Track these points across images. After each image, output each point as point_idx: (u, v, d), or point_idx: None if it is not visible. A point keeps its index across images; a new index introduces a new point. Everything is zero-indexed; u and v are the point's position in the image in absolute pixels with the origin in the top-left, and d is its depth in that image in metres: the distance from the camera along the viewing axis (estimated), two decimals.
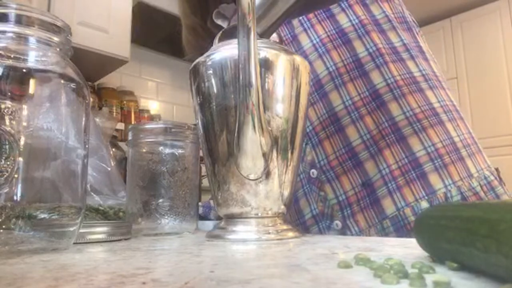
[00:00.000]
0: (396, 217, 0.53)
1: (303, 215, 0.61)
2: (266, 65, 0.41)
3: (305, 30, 0.62)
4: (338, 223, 0.57)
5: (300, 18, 0.63)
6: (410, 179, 0.54)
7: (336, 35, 0.60)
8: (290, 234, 0.42)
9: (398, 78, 0.57)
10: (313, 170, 0.60)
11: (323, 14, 0.62)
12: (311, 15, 0.62)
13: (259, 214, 0.42)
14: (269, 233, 0.41)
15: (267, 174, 0.41)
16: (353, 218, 0.56)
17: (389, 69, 0.58)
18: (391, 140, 0.55)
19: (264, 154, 0.40)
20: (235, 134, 0.39)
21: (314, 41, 0.61)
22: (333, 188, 0.58)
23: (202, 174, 0.86)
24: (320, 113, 0.60)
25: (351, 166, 0.57)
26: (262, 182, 0.41)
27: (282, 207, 0.43)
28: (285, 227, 0.43)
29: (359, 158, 0.57)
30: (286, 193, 0.43)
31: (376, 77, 0.58)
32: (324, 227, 0.58)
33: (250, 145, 0.39)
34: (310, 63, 0.60)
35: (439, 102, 0.58)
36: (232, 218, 0.44)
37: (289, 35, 0.64)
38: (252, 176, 0.41)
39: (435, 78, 0.60)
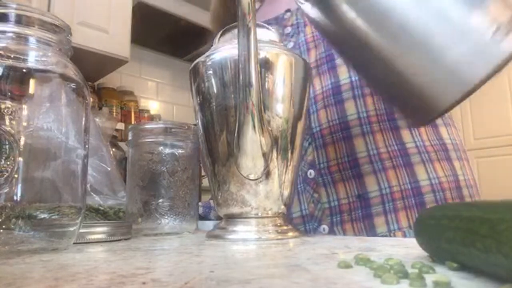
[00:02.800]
0: (385, 238, 0.52)
1: (291, 213, 0.61)
2: (266, 65, 0.41)
3: None
4: (325, 227, 0.57)
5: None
6: (408, 204, 0.54)
7: None
8: (290, 234, 0.42)
9: None
10: (311, 171, 0.60)
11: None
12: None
13: (259, 214, 0.42)
14: (269, 233, 0.41)
15: (267, 174, 0.41)
16: (341, 226, 0.56)
17: None
18: (398, 163, 0.56)
19: (264, 154, 0.40)
20: (235, 134, 0.39)
21: None
22: (328, 192, 0.58)
23: (202, 174, 0.86)
24: (331, 117, 0.60)
25: (351, 175, 0.57)
26: (262, 182, 0.41)
27: (282, 207, 0.43)
28: (285, 227, 0.43)
29: (360, 170, 0.57)
30: (286, 193, 0.43)
31: None
32: (310, 228, 0.58)
33: (250, 145, 0.39)
34: (335, 66, 0.60)
35: (450, 139, 0.60)
36: (232, 218, 0.44)
37: (320, 39, 0.63)
38: (252, 176, 0.41)
39: (449, 117, 0.63)
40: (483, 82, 0.32)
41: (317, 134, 0.61)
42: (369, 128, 0.58)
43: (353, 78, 0.59)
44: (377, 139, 0.57)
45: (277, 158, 0.42)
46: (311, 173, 0.60)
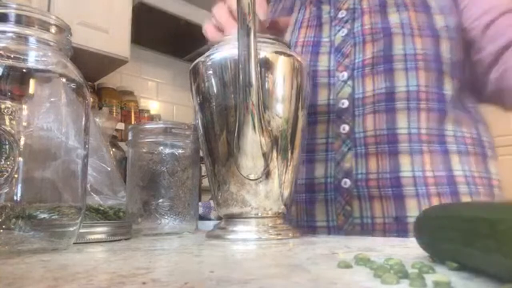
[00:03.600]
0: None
1: (315, 220, 0.56)
2: (266, 65, 0.41)
3: (397, 7, 0.58)
4: None
5: None
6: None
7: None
8: (290, 234, 0.42)
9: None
10: (346, 180, 0.54)
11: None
12: None
13: (259, 214, 0.42)
14: (269, 233, 0.41)
15: (267, 174, 0.41)
16: None
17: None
18: (444, 191, 0.52)
19: (264, 154, 0.40)
20: (235, 134, 0.39)
21: (404, 21, 0.56)
22: (362, 207, 0.53)
23: (202, 174, 0.86)
24: (379, 125, 0.54)
25: (391, 195, 0.52)
26: (262, 182, 0.41)
27: (282, 207, 0.43)
28: (285, 227, 0.43)
29: (402, 191, 0.52)
30: (286, 193, 0.43)
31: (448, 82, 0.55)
32: None
33: (250, 145, 0.39)
34: (393, 70, 0.55)
35: (487, 137, 0.59)
36: (232, 218, 0.44)
37: (378, 5, 0.59)
38: (252, 176, 0.41)
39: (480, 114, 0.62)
40: None
41: (359, 140, 0.55)
42: (417, 147, 0.53)
43: (411, 88, 0.54)
44: (425, 161, 0.53)
45: (277, 158, 0.42)
46: (346, 182, 0.54)
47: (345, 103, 0.56)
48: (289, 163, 0.43)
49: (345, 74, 0.58)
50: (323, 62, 0.60)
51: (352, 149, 0.55)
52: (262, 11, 0.48)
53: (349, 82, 0.57)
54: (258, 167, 0.40)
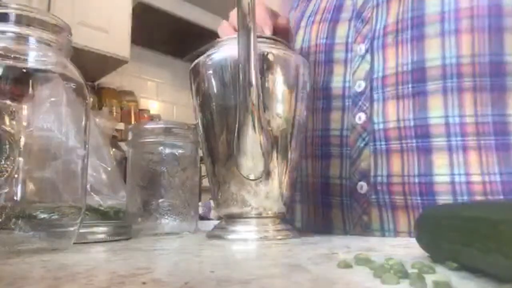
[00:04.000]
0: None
1: (331, 227, 0.48)
2: (266, 65, 0.41)
3: None
4: None
5: None
6: None
7: None
8: (290, 234, 0.42)
9: None
10: (362, 183, 0.45)
11: None
12: None
13: (260, 214, 0.42)
14: (269, 233, 0.41)
15: (267, 174, 0.41)
16: None
17: None
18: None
19: (264, 154, 0.40)
20: (235, 134, 0.39)
21: None
22: (383, 218, 0.43)
23: (202, 174, 0.86)
24: (403, 114, 0.42)
25: (419, 203, 0.41)
26: (262, 182, 0.41)
27: (282, 207, 0.43)
28: (285, 227, 0.43)
29: (436, 203, 0.40)
30: (286, 193, 0.43)
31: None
32: None
33: (250, 145, 0.39)
34: (424, 37, 0.42)
35: None
36: (232, 218, 0.44)
37: None
38: (252, 176, 0.41)
39: None
40: None
41: (379, 133, 0.44)
42: (459, 143, 0.40)
43: (447, 61, 0.40)
44: (470, 160, 0.39)
45: (277, 158, 0.42)
46: (363, 186, 0.45)
47: (362, 85, 0.45)
48: (289, 163, 0.43)
49: (362, 47, 0.46)
50: (341, 32, 0.49)
51: (370, 144, 0.44)
52: (268, 27, 0.44)
53: (367, 57, 0.45)
54: (258, 167, 0.40)
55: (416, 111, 0.42)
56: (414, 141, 0.42)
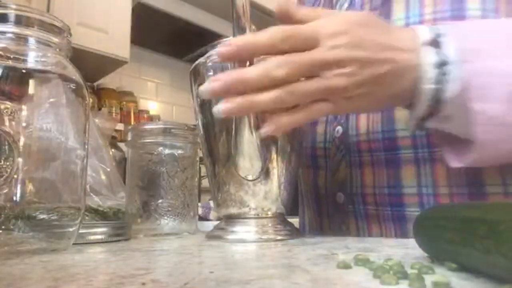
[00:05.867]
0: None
1: (324, 235, 0.48)
2: None
3: None
4: None
5: None
6: None
7: None
8: (290, 234, 0.42)
9: None
10: (340, 194, 0.46)
11: None
12: None
13: (258, 215, 0.42)
14: (268, 233, 0.41)
15: (265, 174, 0.41)
16: None
17: None
18: None
19: (261, 155, 0.40)
20: (232, 135, 0.39)
21: None
22: (358, 226, 0.44)
23: (202, 174, 0.86)
24: (372, 126, 0.42)
25: (390, 215, 0.41)
26: (261, 182, 0.41)
27: (281, 207, 0.43)
28: (284, 227, 0.43)
29: (405, 214, 0.40)
30: (285, 193, 0.43)
31: None
32: None
33: (247, 145, 0.39)
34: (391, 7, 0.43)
35: None
36: (231, 218, 0.44)
37: None
38: (250, 177, 0.41)
39: None
40: None
41: (353, 146, 0.44)
42: (426, 155, 0.39)
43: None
44: (437, 172, 0.38)
45: (276, 158, 0.42)
46: (341, 197, 0.46)
47: None
48: (288, 164, 0.43)
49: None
50: None
51: (346, 156, 0.45)
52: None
53: None
54: (256, 167, 0.40)
55: (385, 123, 0.42)
56: (382, 153, 0.42)
